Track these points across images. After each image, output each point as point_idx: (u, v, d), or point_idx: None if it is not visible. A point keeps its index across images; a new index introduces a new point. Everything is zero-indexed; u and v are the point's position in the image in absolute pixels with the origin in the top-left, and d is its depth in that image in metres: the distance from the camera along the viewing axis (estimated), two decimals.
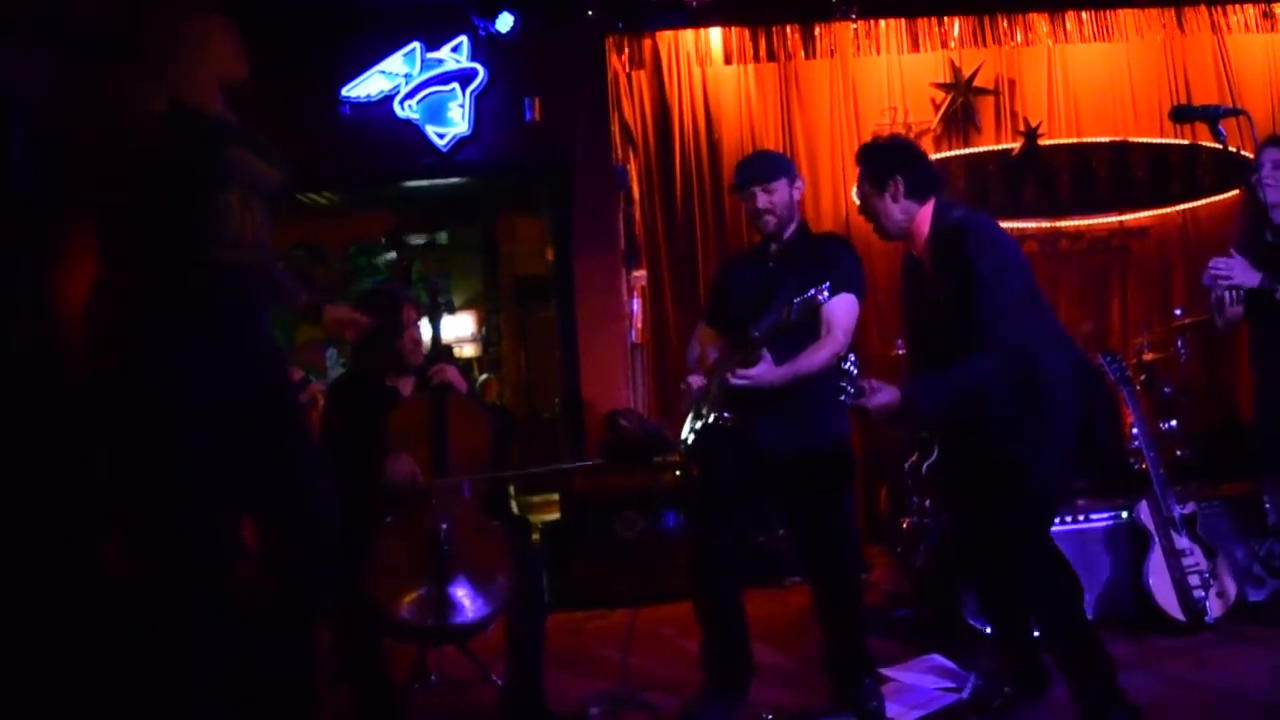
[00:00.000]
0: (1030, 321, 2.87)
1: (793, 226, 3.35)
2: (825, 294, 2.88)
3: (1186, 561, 3.92)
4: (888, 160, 3.06)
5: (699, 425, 3.29)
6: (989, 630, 3.52)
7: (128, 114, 2.28)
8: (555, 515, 5.52)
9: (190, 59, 2.45)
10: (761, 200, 3.30)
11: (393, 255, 7.68)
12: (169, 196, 2.30)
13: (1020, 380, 2.84)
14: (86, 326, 2.35)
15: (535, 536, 5.61)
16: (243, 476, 2.44)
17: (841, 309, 3.18)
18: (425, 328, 3.54)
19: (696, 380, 3.40)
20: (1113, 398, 3.96)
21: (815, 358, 3.15)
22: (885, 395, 2.82)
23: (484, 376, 9.16)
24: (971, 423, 2.93)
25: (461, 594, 3.10)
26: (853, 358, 2.86)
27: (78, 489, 3.10)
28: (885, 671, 3.54)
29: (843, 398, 2.81)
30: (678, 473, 5.26)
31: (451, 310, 9.20)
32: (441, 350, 3.55)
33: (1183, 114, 2.87)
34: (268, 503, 2.50)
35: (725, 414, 3.20)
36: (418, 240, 8.50)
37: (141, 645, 2.49)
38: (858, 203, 3.16)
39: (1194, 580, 3.89)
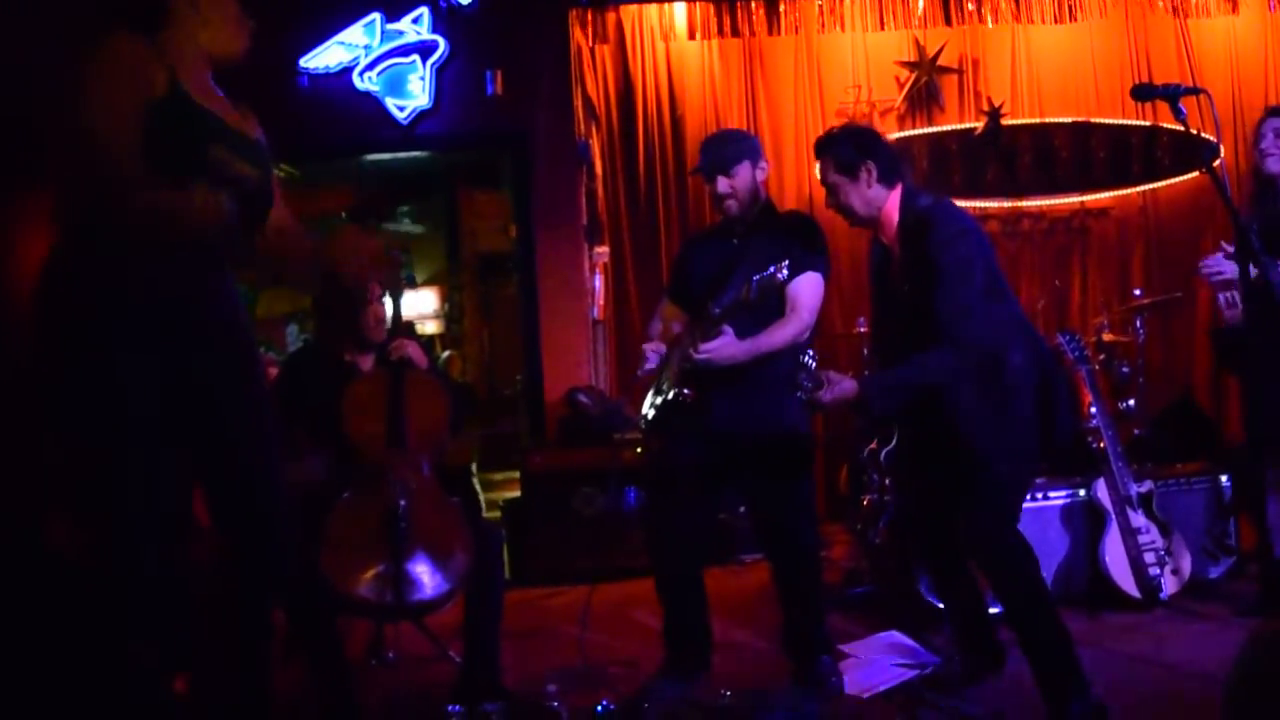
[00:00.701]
0: (993, 312, 2.86)
1: (757, 205, 3.33)
2: (785, 272, 2.86)
3: (1142, 539, 3.95)
4: (857, 146, 3.02)
5: (659, 400, 3.27)
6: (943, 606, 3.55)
7: (131, 92, 2.20)
8: (515, 493, 5.49)
9: (190, 28, 2.38)
10: (723, 186, 3.27)
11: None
12: (141, 181, 2.24)
13: (982, 374, 2.84)
14: (34, 303, 2.28)
15: (496, 514, 5.61)
16: (200, 455, 2.40)
17: (806, 287, 3.16)
18: (387, 303, 3.49)
19: (652, 349, 3.37)
20: (1072, 380, 3.98)
21: (778, 335, 3.13)
22: (840, 388, 2.78)
23: (446, 353, 9.10)
24: (931, 412, 2.92)
25: (420, 570, 3.07)
26: (811, 352, 2.84)
27: (24, 468, 3.04)
28: (844, 648, 3.55)
29: (799, 394, 2.77)
30: (638, 450, 5.25)
31: (413, 285, 9.15)
32: (403, 326, 3.50)
33: (1144, 92, 2.85)
34: (227, 484, 2.45)
35: (685, 390, 3.18)
36: (383, 226, 8.41)
37: (86, 624, 2.44)
38: (827, 194, 3.09)
39: (1149, 558, 3.93)
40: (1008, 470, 2.91)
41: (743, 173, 3.27)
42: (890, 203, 3.02)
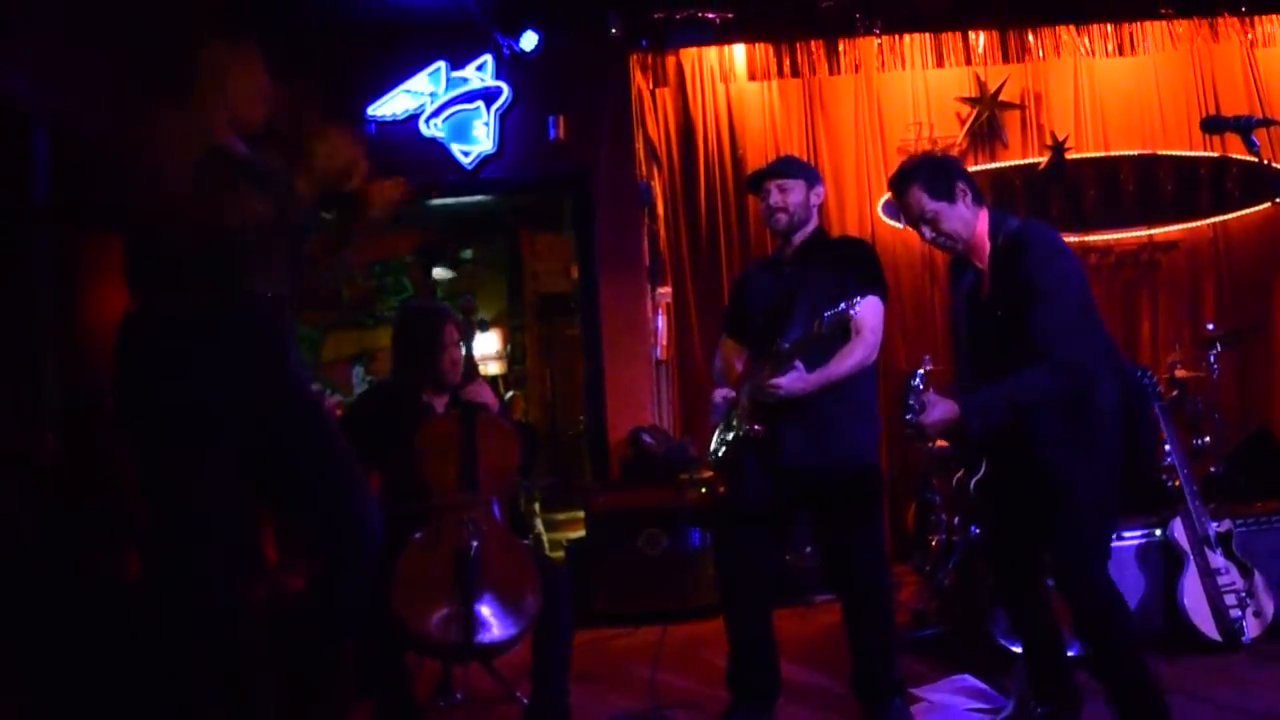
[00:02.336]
0: (1087, 339, 2.80)
1: (808, 230, 3.33)
2: (857, 307, 2.86)
3: (1222, 580, 3.85)
4: (947, 169, 2.97)
5: (729, 438, 3.28)
6: (1019, 649, 3.47)
7: (170, 160, 2.30)
8: (580, 533, 5.50)
9: (214, 101, 2.47)
10: (775, 197, 3.28)
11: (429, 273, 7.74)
12: (200, 233, 2.32)
13: (1067, 403, 2.78)
14: (116, 350, 2.37)
15: (559, 554, 5.62)
16: (283, 494, 2.46)
17: (867, 312, 3.14)
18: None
19: (720, 395, 3.38)
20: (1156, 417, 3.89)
21: (846, 363, 3.13)
22: (941, 410, 2.74)
23: (510, 394, 9.17)
24: (1021, 441, 2.87)
25: (488, 612, 3.08)
26: (920, 374, 2.80)
27: (103, 501, 3.14)
28: (915, 691, 3.50)
29: (908, 415, 2.72)
30: (703, 490, 5.24)
31: (485, 328, 9.24)
32: (471, 368, 3.55)
33: (1214, 124, 2.82)
34: (314, 521, 2.51)
35: (755, 426, 3.19)
36: (445, 275, 8.54)
37: (154, 651, 2.50)
38: (924, 229, 2.97)
39: (1230, 599, 3.82)
40: (1090, 503, 2.83)
41: (796, 187, 3.29)
42: (981, 224, 2.96)
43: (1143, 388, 3.01)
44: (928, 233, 2.98)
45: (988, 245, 2.96)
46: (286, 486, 2.49)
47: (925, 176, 2.94)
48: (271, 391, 2.44)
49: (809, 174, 3.35)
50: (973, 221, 2.95)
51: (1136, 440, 2.85)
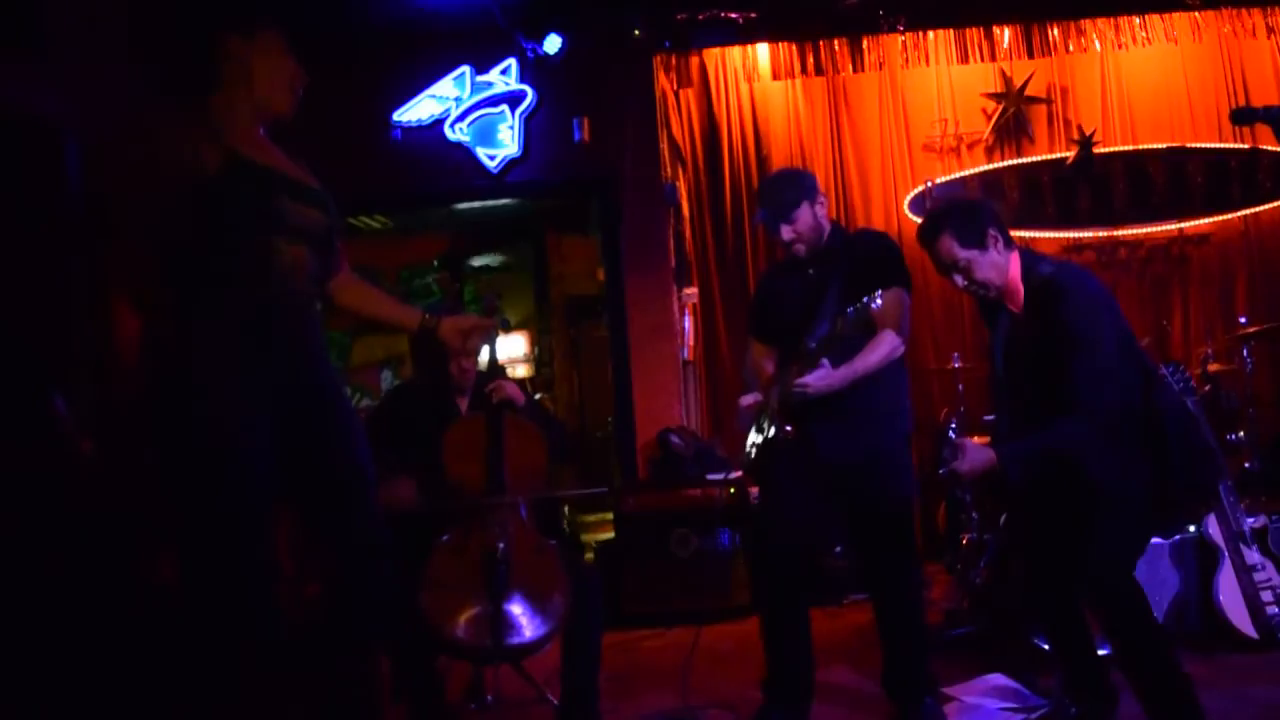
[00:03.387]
0: (1125, 383, 2.80)
1: (825, 233, 3.33)
2: (878, 301, 2.85)
3: (1258, 576, 3.81)
4: (977, 215, 2.93)
5: (760, 439, 3.27)
6: (1052, 648, 3.45)
7: (186, 170, 2.32)
8: (609, 534, 5.51)
9: (241, 92, 2.48)
10: (787, 234, 3.29)
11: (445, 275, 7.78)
12: (221, 242, 2.34)
13: (1122, 429, 2.79)
14: (142, 363, 2.38)
15: (589, 555, 5.63)
16: (312, 499, 2.49)
17: (891, 305, 3.13)
18: (483, 347, 3.57)
19: (748, 399, 3.38)
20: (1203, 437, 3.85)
21: (873, 356, 3.13)
22: (978, 456, 2.76)
23: (536, 396, 9.20)
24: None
25: (518, 613, 3.09)
26: (954, 424, 2.83)
27: (138, 502, 3.17)
28: (947, 690, 3.48)
29: (941, 470, 2.75)
30: (731, 491, 5.23)
31: (508, 327, 9.27)
32: (498, 369, 3.57)
33: (1244, 116, 2.77)
34: (336, 520, 2.53)
35: (786, 427, 3.18)
36: (472, 263, 8.57)
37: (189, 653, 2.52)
38: (958, 277, 2.95)
39: (1267, 596, 3.78)
40: (1130, 514, 2.83)
41: (803, 216, 3.27)
42: (1013, 269, 2.94)
43: (1182, 405, 2.99)
44: (960, 281, 2.96)
45: (1021, 289, 2.95)
46: (315, 489, 2.50)
47: (955, 225, 2.91)
48: (307, 392, 2.46)
49: (804, 191, 3.29)
50: (1005, 267, 2.93)
51: (1166, 457, 2.83)
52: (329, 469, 2.49)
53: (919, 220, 6.33)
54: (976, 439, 3.04)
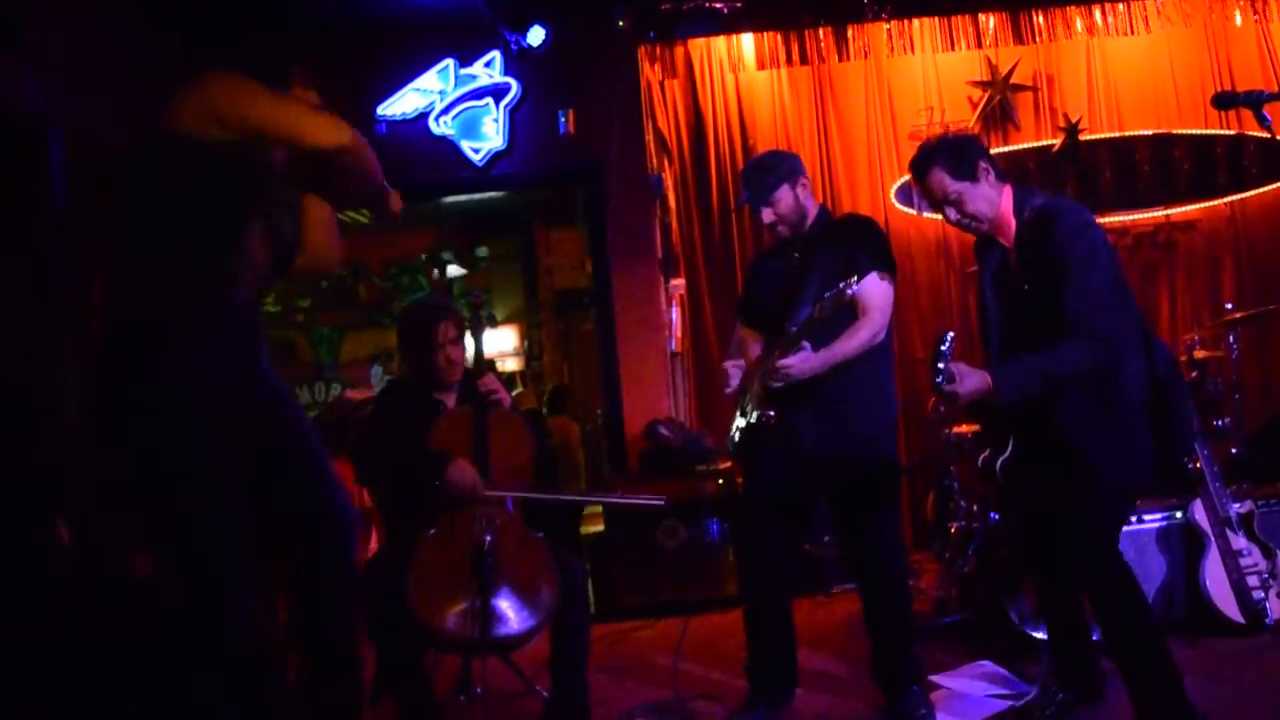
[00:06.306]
0: (1119, 314, 2.77)
1: (811, 215, 3.32)
2: (854, 287, 2.85)
3: (1244, 561, 3.82)
4: (968, 148, 2.94)
5: (743, 424, 3.27)
6: (1039, 635, 3.45)
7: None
8: (599, 527, 5.50)
9: None
10: (767, 216, 3.28)
11: (435, 273, 7.78)
12: (208, 222, 2.33)
13: (1100, 382, 2.75)
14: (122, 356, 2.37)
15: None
16: (269, 493, 2.48)
17: (873, 290, 3.14)
18: (468, 342, 3.56)
19: (734, 366, 3.36)
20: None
21: (853, 341, 3.13)
22: (974, 380, 2.71)
23: (517, 390, 9.19)
24: (1049, 423, 2.84)
25: (505, 606, 3.09)
26: (950, 336, 2.76)
27: (113, 499, 3.16)
28: (935, 679, 3.49)
29: (938, 379, 2.68)
30: (720, 481, 5.23)
31: (493, 323, 9.25)
32: (484, 364, 3.56)
33: (1226, 100, 2.77)
34: (299, 518, 2.52)
35: (769, 413, 3.18)
36: (457, 272, 8.56)
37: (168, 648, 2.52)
38: (948, 210, 2.95)
39: (1253, 581, 3.79)
40: (1115, 485, 2.81)
41: (784, 197, 3.26)
42: (1005, 202, 2.93)
43: (1174, 368, 2.95)
44: (952, 214, 2.96)
45: (1013, 223, 2.94)
46: (274, 485, 2.49)
47: (946, 157, 2.92)
48: (260, 391, 2.45)
49: (785, 172, 3.28)
50: (996, 200, 2.93)
51: (1169, 421, 2.81)
52: (286, 462, 2.49)
53: (906, 210, 6.41)
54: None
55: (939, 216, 3.04)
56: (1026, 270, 2.90)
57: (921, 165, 2.96)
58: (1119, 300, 2.80)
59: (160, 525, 2.35)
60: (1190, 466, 3.97)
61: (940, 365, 2.68)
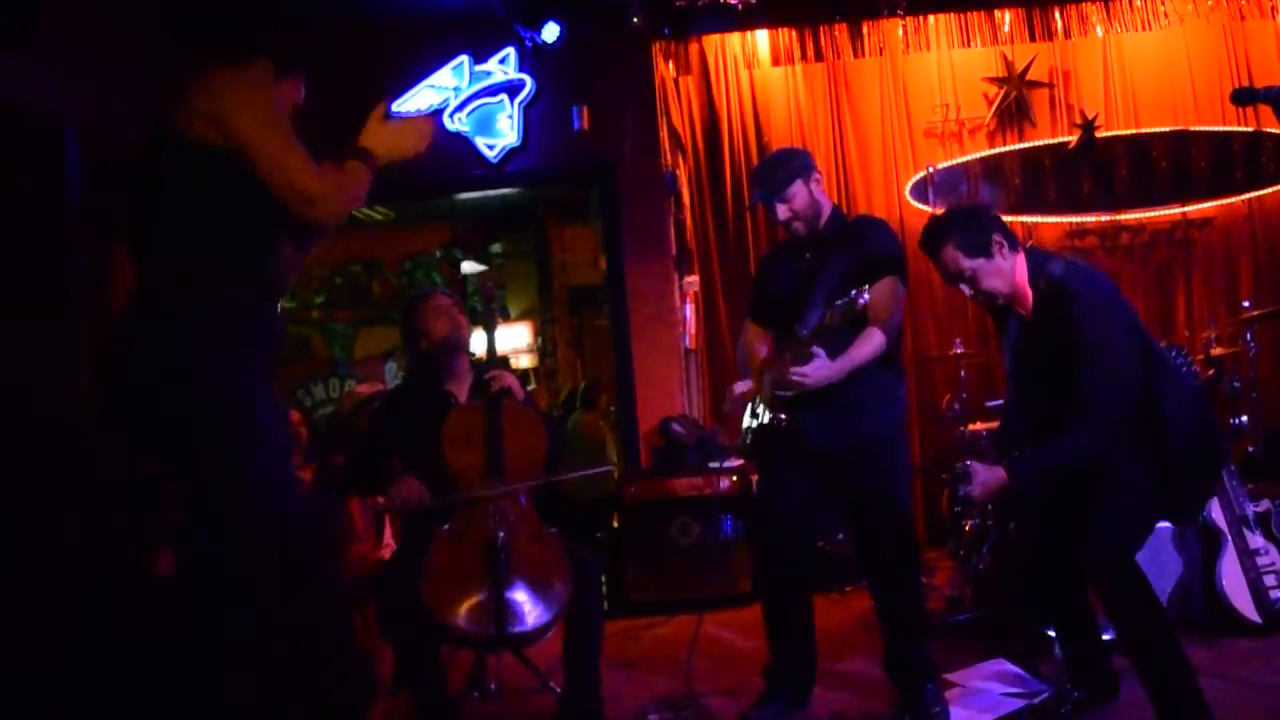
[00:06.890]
0: (1139, 372, 2.79)
1: (825, 214, 3.30)
2: (865, 296, 2.85)
3: (1261, 561, 3.80)
4: (980, 222, 2.90)
5: (755, 425, 3.27)
6: (1054, 634, 3.44)
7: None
8: (612, 524, 5.50)
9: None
10: (782, 212, 3.26)
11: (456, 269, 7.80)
12: (246, 223, 2.35)
13: (1138, 420, 2.79)
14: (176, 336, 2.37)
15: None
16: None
17: (884, 295, 3.13)
18: (481, 336, 3.57)
19: (741, 386, 3.37)
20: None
21: (867, 347, 3.12)
22: (989, 477, 2.78)
23: (531, 387, 9.19)
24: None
25: (520, 601, 3.08)
26: (968, 463, 2.84)
27: (137, 497, 3.18)
28: (949, 676, 3.48)
29: (961, 491, 2.77)
30: (733, 478, 5.23)
31: (506, 316, 9.25)
32: (497, 360, 3.56)
33: (1244, 96, 2.75)
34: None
35: (780, 415, 3.18)
36: (474, 268, 8.57)
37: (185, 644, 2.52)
38: (964, 287, 2.94)
39: (1270, 580, 3.77)
40: (1137, 495, 2.82)
41: (799, 193, 3.24)
42: (1020, 273, 2.92)
43: (1201, 392, 2.97)
44: (967, 290, 2.96)
45: (1029, 293, 2.93)
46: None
47: (959, 235, 2.89)
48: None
49: (799, 168, 3.26)
50: (1011, 273, 2.91)
51: (1185, 442, 2.83)
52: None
53: (921, 206, 6.38)
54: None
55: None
56: (1044, 342, 2.90)
57: (933, 242, 2.95)
58: (1137, 359, 2.80)
59: (205, 482, 2.32)
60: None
61: (960, 476, 2.78)
